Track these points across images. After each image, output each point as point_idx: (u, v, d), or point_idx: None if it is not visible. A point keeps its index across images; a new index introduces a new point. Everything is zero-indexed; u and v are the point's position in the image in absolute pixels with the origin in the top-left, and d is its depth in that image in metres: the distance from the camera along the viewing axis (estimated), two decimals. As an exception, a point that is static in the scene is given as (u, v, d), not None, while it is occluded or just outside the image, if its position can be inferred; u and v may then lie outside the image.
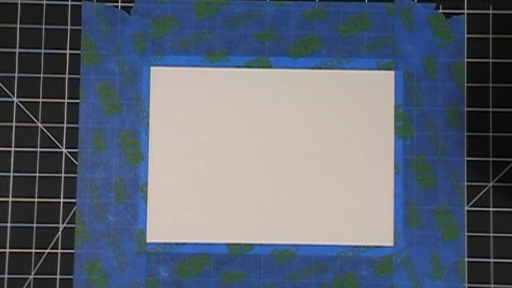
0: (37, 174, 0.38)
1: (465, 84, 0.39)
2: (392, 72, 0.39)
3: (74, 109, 0.39)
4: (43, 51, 0.39)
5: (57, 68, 0.39)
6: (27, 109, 0.39)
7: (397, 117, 0.39)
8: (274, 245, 0.38)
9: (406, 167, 0.38)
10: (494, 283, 0.38)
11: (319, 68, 0.39)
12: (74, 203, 0.38)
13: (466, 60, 0.39)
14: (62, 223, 0.38)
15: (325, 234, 0.38)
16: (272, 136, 0.38)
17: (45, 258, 0.38)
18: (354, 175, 0.38)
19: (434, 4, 0.39)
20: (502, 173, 0.38)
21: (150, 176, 0.38)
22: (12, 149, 0.38)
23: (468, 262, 0.38)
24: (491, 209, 0.38)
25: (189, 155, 0.38)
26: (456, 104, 0.39)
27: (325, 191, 0.38)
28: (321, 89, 0.39)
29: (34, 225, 0.38)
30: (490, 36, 0.39)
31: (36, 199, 0.38)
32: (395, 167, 0.38)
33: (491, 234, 0.38)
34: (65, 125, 0.39)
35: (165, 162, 0.38)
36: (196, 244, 0.38)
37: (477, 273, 0.38)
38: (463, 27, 0.39)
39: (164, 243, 0.38)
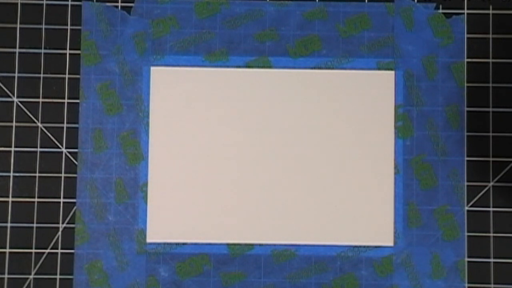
0: (37, 174, 0.38)
1: (465, 84, 0.39)
2: (392, 72, 0.39)
3: (74, 109, 0.39)
4: (43, 51, 0.39)
5: (57, 68, 0.39)
6: (27, 109, 0.39)
7: (397, 117, 0.39)
8: (274, 245, 0.38)
9: (406, 167, 0.38)
10: (494, 283, 0.38)
11: (319, 68, 0.39)
12: (74, 203, 0.38)
13: (466, 60, 0.39)
14: (62, 223, 0.38)
15: (325, 234, 0.38)
16: (272, 136, 0.38)
17: (45, 258, 0.38)
18: (354, 175, 0.38)
19: (434, 4, 0.39)
20: (502, 173, 0.38)
21: (150, 176, 0.38)
22: (12, 149, 0.38)
23: (468, 262, 0.38)
24: (491, 209, 0.38)
25: (189, 155, 0.38)
26: (456, 104, 0.39)
27: (325, 191, 0.38)
28: (321, 89, 0.39)
29: (34, 225, 0.38)
30: (490, 36, 0.39)
31: (36, 199, 0.38)
32: (395, 167, 0.38)
33: (491, 234, 0.38)
34: (65, 125, 0.39)
35: (165, 162, 0.38)
36: (196, 244, 0.38)
37: (477, 273, 0.38)
38: (463, 27, 0.39)
39: (164, 243, 0.38)
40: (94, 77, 0.39)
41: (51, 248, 0.38)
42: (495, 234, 0.38)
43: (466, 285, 0.38)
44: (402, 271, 0.38)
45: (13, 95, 0.39)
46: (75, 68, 0.39)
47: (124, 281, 0.38)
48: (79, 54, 0.39)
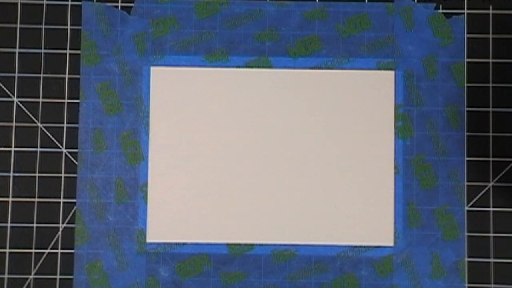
0: (37, 174, 0.38)
1: (465, 84, 0.39)
2: (392, 72, 0.39)
3: (74, 109, 0.39)
4: (43, 51, 0.39)
5: (57, 68, 0.39)
6: (27, 109, 0.39)
7: (397, 117, 0.39)
8: (274, 245, 0.38)
9: (406, 167, 0.38)
10: (494, 283, 0.38)
11: (319, 68, 0.39)
12: (74, 203, 0.38)
13: (466, 60, 0.39)
14: (62, 223, 0.38)
15: (325, 234, 0.38)
16: (272, 136, 0.39)
17: (45, 258, 0.38)
18: (354, 175, 0.38)
19: (434, 4, 0.39)
20: (502, 173, 0.38)
21: (150, 176, 0.38)
22: (12, 149, 0.38)
23: (468, 262, 0.38)
24: (491, 209, 0.38)
25: (189, 155, 0.38)
26: (456, 104, 0.39)
27: (325, 191, 0.38)
28: (321, 89, 0.39)
29: (34, 225, 0.38)
30: (490, 36, 0.39)
31: (36, 199, 0.38)
32: (395, 167, 0.38)
33: (491, 234, 0.38)
34: (65, 125, 0.39)
35: (165, 162, 0.38)
36: (196, 244, 0.38)
37: (477, 273, 0.38)
38: (463, 27, 0.39)
39: (164, 243, 0.38)
40: (94, 77, 0.39)
41: (51, 248, 0.38)
42: (495, 234, 0.38)
43: (466, 285, 0.38)
44: (402, 271, 0.38)
45: (13, 95, 0.39)
46: (75, 68, 0.39)
47: (124, 281, 0.38)
48: (79, 54, 0.39)
